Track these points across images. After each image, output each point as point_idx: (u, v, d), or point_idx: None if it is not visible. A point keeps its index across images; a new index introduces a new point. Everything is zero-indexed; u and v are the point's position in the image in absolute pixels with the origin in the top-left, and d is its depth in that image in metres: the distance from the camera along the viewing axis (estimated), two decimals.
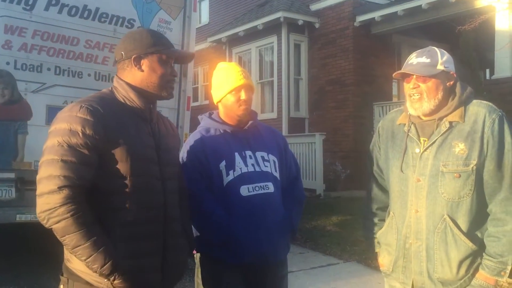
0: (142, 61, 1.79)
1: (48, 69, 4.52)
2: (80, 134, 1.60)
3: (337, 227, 6.79)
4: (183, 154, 2.22)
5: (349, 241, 5.91)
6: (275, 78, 11.04)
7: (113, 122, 1.67)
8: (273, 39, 11.04)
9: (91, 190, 1.62)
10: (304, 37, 10.98)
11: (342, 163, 9.94)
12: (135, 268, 1.68)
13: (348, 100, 10.03)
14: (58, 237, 1.59)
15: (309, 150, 9.51)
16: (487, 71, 11.95)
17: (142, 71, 1.79)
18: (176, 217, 1.88)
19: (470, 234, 1.89)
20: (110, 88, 1.83)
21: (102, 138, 1.63)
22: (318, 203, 8.50)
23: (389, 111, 9.51)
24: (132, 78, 1.79)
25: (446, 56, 1.97)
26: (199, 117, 2.41)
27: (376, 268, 5.03)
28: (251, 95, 2.28)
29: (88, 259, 1.57)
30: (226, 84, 2.24)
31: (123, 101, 1.77)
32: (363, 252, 5.51)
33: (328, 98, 10.45)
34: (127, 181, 1.68)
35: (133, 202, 1.69)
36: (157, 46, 1.80)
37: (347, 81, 10.06)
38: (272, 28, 10.85)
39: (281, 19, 10.45)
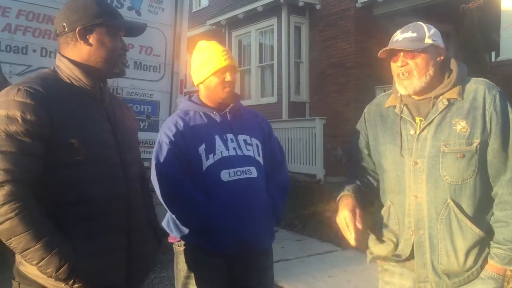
0: (89, 34, 1.58)
1: (34, 50, 4.37)
2: (20, 120, 1.39)
3: (336, 214, 6.64)
4: (159, 138, 2.07)
5: None
6: (275, 62, 10.81)
7: (58, 105, 1.47)
8: (273, 21, 10.78)
9: (40, 183, 1.43)
10: (305, 19, 10.72)
11: (343, 147, 9.78)
12: (96, 268, 1.50)
13: (350, 83, 9.82)
14: (3, 240, 1.39)
15: (310, 135, 9.33)
16: (493, 54, 11.68)
17: (90, 45, 1.59)
18: (140, 207, 1.70)
19: (477, 220, 1.74)
20: (52, 68, 1.62)
21: (46, 124, 1.43)
22: (317, 189, 8.36)
23: None
24: (77, 54, 1.59)
25: (433, 29, 1.83)
26: (177, 100, 2.28)
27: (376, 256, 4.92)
28: (235, 76, 2.14)
29: (41, 263, 1.38)
30: (209, 65, 2.09)
31: (68, 81, 1.57)
32: (362, 239, 5.37)
33: (329, 81, 10.24)
34: (81, 171, 1.49)
35: (90, 194, 1.51)
36: (105, 16, 1.60)
37: (349, 64, 9.83)
38: (272, 10, 10.59)
39: (281, 0, 10.19)
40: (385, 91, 7.84)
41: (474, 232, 1.72)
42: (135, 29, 1.76)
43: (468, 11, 6.08)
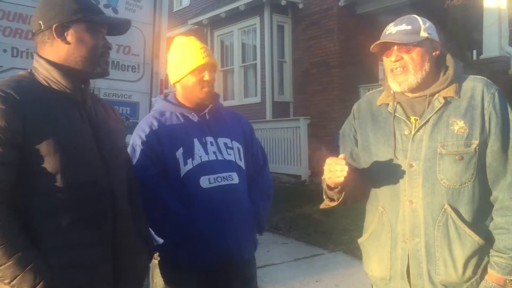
0: (66, 31, 1.48)
1: (4, 50, 4.15)
2: None
3: (323, 215, 6.53)
4: (132, 141, 1.91)
5: (335, 230, 5.65)
6: (258, 61, 10.69)
7: (33, 110, 1.38)
8: (256, 20, 10.66)
9: (14, 193, 1.32)
10: (288, 18, 10.63)
11: (328, 147, 9.70)
12: (78, 283, 1.38)
13: (333, 82, 9.76)
14: None
15: (294, 135, 9.26)
16: (474, 52, 11.73)
17: (68, 43, 1.48)
18: (127, 215, 1.59)
19: (476, 226, 1.61)
20: (29, 70, 1.51)
21: (19, 131, 1.33)
22: (303, 190, 8.26)
23: None
24: (55, 53, 1.48)
25: (428, 23, 1.71)
26: (153, 99, 2.11)
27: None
28: (215, 75, 1.99)
29: (14, 282, 1.28)
30: (186, 63, 1.93)
31: (46, 83, 1.46)
32: (350, 242, 5.27)
33: (313, 81, 10.17)
34: (60, 178, 1.38)
35: (71, 202, 1.40)
36: (84, 12, 1.49)
37: (332, 63, 9.77)
38: (255, 8, 10.47)
39: None
40: (369, 90, 7.75)
41: (473, 239, 1.60)
42: (119, 27, 1.66)
43: (452, 10, 6.03)
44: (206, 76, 1.92)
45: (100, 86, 4.62)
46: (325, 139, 9.79)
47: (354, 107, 1.92)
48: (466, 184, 1.61)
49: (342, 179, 1.57)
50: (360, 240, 1.89)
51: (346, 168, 1.56)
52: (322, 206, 1.82)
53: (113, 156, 1.55)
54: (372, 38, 1.74)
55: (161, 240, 1.87)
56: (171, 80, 2.01)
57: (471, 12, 7.54)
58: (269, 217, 2.27)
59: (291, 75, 10.66)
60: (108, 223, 1.49)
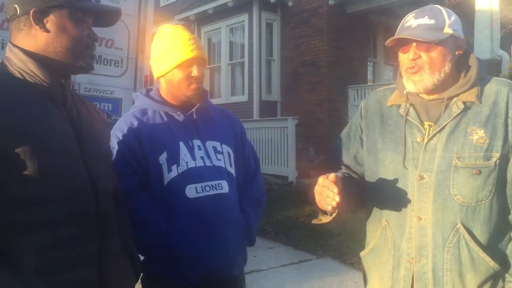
0: (46, 17, 1.28)
1: None
2: None
3: (311, 218, 6.37)
4: (110, 144, 1.68)
5: (323, 234, 5.47)
6: (246, 59, 10.48)
7: (3, 106, 1.18)
8: (244, 17, 10.45)
9: None
10: (277, 16, 10.44)
11: (316, 148, 9.57)
12: None
13: (322, 82, 9.60)
14: None
15: (281, 135, 9.07)
16: None
17: (47, 31, 1.29)
18: (114, 231, 1.38)
19: (491, 250, 1.44)
20: (1, 61, 1.31)
21: None
22: (290, 191, 8.08)
23: (365, 95, 8.85)
24: (32, 42, 1.29)
25: (454, 16, 1.51)
26: (134, 94, 1.88)
27: (352, 264, 4.64)
28: (204, 70, 1.77)
29: None
30: (172, 56, 1.71)
31: (20, 76, 1.26)
32: (338, 247, 5.12)
33: (301, 80, 10.01)
34: (35, 187, 1.17)
35: (51, 215, 1.19)
36: None
37: (321, 62, 9.61)
38: (243, 5, 10.26)
39: None
40: (358, 91, 7.45)
41: (488, 264, 1.43)
42: (107, 16, 1.46)
43: None
44: (195, 72, 1.70)
45: (81, 81, 4.39)
46: (313, 139, 9.65)
47: (362, 105, 1.72)
48: (483, 201, 1.43)
49: (330, 208, 1.40)
50: (361, 254, 1.71)
51: (337, 199, 1.37)
52: (314, 221, 1.64)
53: (97, 163, 1.35)
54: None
55: (142, 257, 1.66)
56: (155, 74, 1.79)
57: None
58: None
59: (279, 74, 10.49)
60: (93, 243, 1.28)
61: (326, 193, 1.38)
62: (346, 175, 1.67)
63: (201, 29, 11.56)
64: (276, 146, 9.13)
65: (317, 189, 1.43)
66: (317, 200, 1.45)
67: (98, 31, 1.45)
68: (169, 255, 1.63)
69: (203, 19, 11.36)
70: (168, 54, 1.71)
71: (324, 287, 4.17)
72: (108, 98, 4.61)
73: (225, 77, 11.02)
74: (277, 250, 5.25)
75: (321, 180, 1.41)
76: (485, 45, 7.45)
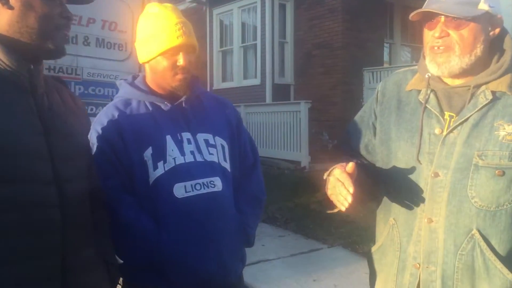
0: None
1: None
2: None
3: (322, 205, 6.22)
4: (89, 139, 1.54)
5: (334, 222, 5.32)
6: (258, 42, 10.25)
7: None
8: None
9: None
10: None
11: (329, 133, 9.37)
12: None
13: (337, 65, 9.34)
14: None
15: (294, 119, 8.87)
16: None
17: (10, 8, 1.13)
18: (84, 240, 1.23)
19: (510, 262, 1.28)
20: None
21: None
22: (302, 177, 7.93)
23: (381, 78, 8.52)
24: None
25: None
26: (117, 82, 1.72)
27: (364, 254, 4.51)
28: (193, 58, 1.59)
29: None
30: (156, 41, 1.54)
31: None
32: (349, 235, 4.98)
33: (315, 63, 9.75)
34: None
35: (5, 226, 1.05)
36: None
37: (336, 44, 9.33)
38: None
39: None
40: (374, 74, 7.12)
41: (505, 277, 1.27)
42: None
43: None
44: (180, 61, 1.52)
45: (83, 65, 4.30)
46: (327, 123, 9.45)
47: (379, 88, 1.55)
48: (504, 206, 1.27)
49: (343, 208, 1.26)
50: (372, 249, 1.57)
51: (350, 199, 1.23)
52: (329, 211, 1.50)
53: (68, 163, 1.20)
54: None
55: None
56: (139, 59, 1.63)
57: None
58: (265, 207, 1.94)
59: (292, 57, 10.23)
60: (55, 256, 1.14)
61: (340, 189, 1.25)
62: (359, 162, 1.51)
63: (213, 11, 11.35)
64: (288, 130, 8.95)
65: (331, 181, 1.30)
66: (329, 193, 1.33)
67: (101, 13, 1.29)
68: (155, 262, 1.49)
69: (215, 1, 11.14)
70: (152, 38, 1.54)
71: (335, 278, 4.04)
72: (111, 83, 4.48)
73: (238, 60, 10.83)
74: (287, 238, 5.13)
75: (338, 173, 1.28)
76: None
